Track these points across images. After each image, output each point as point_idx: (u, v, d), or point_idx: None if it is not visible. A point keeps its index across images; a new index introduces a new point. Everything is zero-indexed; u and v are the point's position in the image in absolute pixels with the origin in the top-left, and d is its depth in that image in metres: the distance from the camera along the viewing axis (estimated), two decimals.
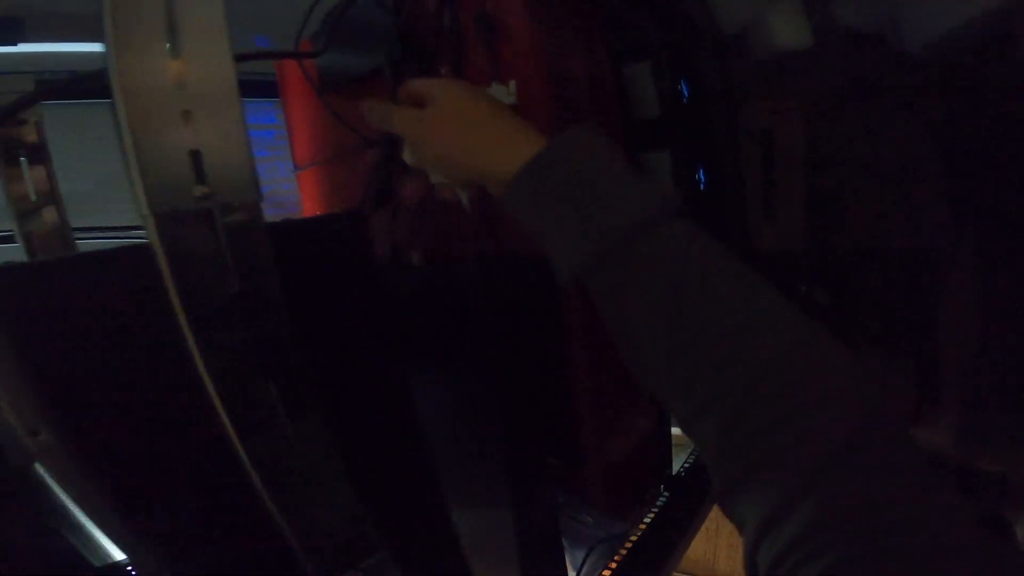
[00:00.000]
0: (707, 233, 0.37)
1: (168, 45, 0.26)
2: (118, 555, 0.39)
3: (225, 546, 0.35)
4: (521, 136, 0.41)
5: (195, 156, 0.26)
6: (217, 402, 0.28)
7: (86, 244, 0.50)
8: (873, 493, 0.27)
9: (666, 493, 0.84)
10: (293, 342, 0.32)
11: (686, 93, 0.76)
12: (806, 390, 0.30)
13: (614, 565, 0.73)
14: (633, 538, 0.77)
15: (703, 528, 0.85)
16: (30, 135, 0.54)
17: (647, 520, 0.80)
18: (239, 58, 0.30)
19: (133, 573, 0.40)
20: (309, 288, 0.36)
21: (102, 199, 0.79)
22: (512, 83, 0.56)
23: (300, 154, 0.86)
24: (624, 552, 0.75)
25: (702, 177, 0.75)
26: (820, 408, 0.29)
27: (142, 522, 0.30)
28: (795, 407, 0.29)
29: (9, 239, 0.56)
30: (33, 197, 0.56)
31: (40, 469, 0.30)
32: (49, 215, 0.58)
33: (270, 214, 0.33)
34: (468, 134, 0.43)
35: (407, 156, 0.50)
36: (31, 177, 0.56)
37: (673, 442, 0.86)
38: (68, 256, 0.33)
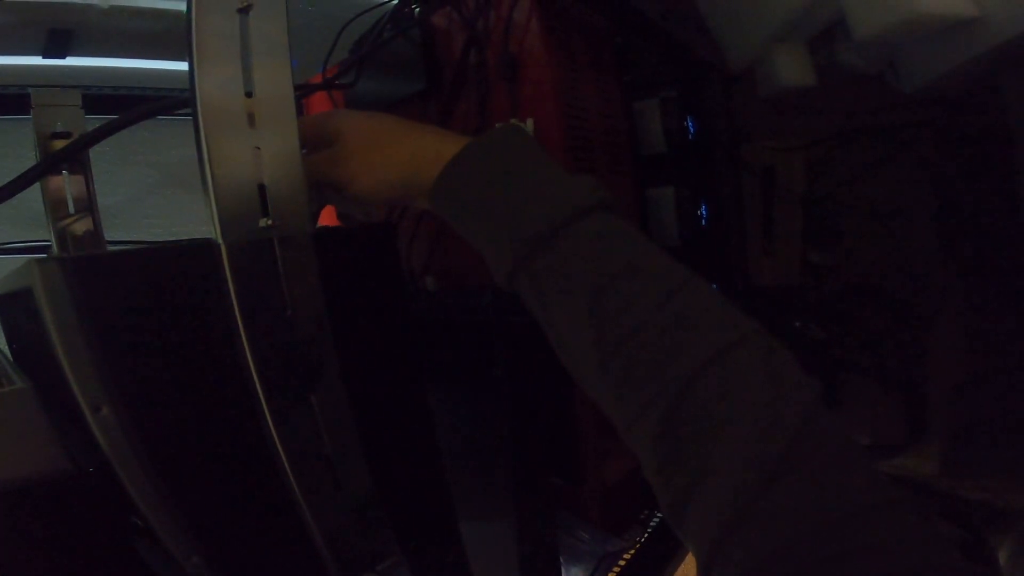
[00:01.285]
0: (623, 223, 0.35)
1: (243, 83, 0.29)
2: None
3: (256, 541, 0.37)
4: (441, 141, 0.39)
5: (261, 189, 0.29)
6: (267, 412, 0.31)
7: None
8: (832, 506, 0.25)
9: (660, 514, 0.85)
10: (333, 354, 0.34)
11: (692, 130, 0.79)
12: (739, 396, 0.28)
13: None
14: (627, 556, 0.78)
15: None
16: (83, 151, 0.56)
17: (641, 539, 0.81)
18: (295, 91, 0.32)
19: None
20: (340, 297, 0.38)
21: (133, 214, 0.81)
22: (530, 120, 0.59)
23: None
24: (618, 569, 0.77)
25: (704, 212, 0.78)
26: (766, 410, 0.27)
27: (185, 508, 0.32)
28: (728, 415, 0.27)
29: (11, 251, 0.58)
30: (71, 208, 0.59)
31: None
32: (85, 225, 0.60)
33: None
34: (388, 153, 0.40)
35: (331, 201, 0.47)
36: (71, 188, 0.58)
37: None
38: (140, 248, 0.35)
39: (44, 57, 0.66)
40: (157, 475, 0.29)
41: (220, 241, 0.27)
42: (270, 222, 0.29)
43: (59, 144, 0.56)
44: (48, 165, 0.35)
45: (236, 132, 0.28)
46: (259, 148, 0.29)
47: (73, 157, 0.40)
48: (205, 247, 0.29)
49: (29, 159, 0.53)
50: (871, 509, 0.25)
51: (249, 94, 0.30)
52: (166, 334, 0.29)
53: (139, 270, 0.28)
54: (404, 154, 0.39)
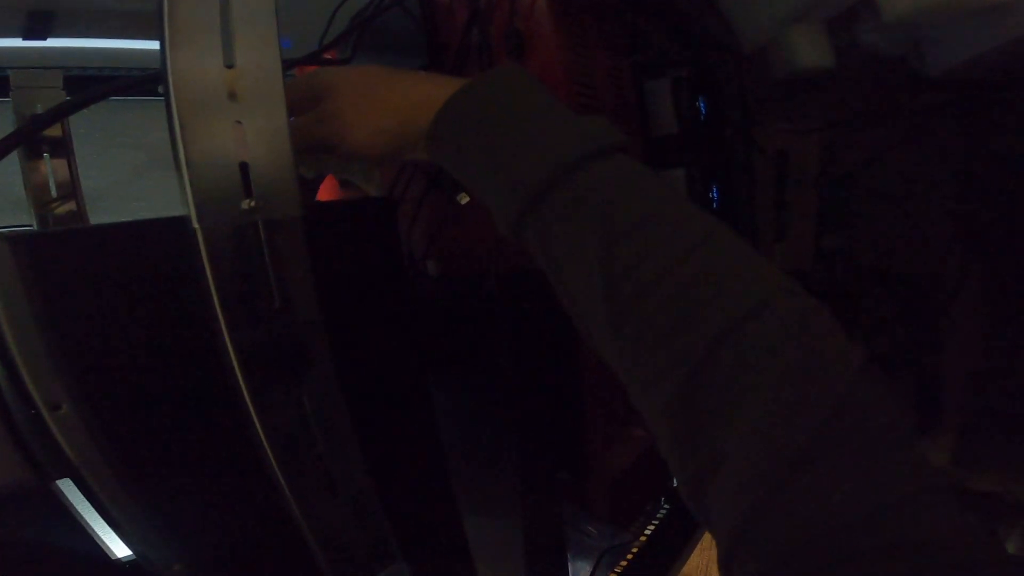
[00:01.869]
0: (641, 166, 0.31)
1: (223, 54, 0.26)
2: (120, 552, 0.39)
3: (246, 548, 0.35)
4: (435, 84, 0.36)
5: (243, 168, 0.26)
6: (252, 411, 0.28)
7: None
8: (864, 498, 0.22)
9: (667, 506, 0.84)
10: (327, 346, 0.32)
11: (704, 111, 0.76)
12: (767, 366, 0.25)
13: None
14: (635, 549, 0.77)
15: None
16: (54, 130, 0.54)
17: (648, 532, 0.80)
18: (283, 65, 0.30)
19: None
20: (337, 275, 0.35)
21: (119, 196, 0.78)
22: None
23: None
24: (626, 563, 0.75)
25: (715, 195, 0.76)
26: (795, 384, 0.24)
27: (161, 514, 0.30)
28: (754, 387, 0.24)
29: None
30: (53, 191, 0.56)
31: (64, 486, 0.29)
32: (68, 208, 0.58)
33: None
34: (380, 101, 0.37)
35: (319, 167, 0.44)
36: (53, 171, 0.56)
37: None
38: (99, 225, 0.33)
39: (25, 39, 0.64)
40: (128, 479, 0.26)
41: (196, 225, 0.25)
42: (253, 203, 0.26)
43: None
44: (10, 142, 0.33)
45: (214, 106, 0.26)
46: (241, 123, 0.26)
47: (37, 131, 0.37)
48: (177, 224, 0.26)
49: None
50: (909, 499, 0.22)
51: (231, 66, 0.27)
52: (133, 322, 0.27)
53: (101, 249, 0.26)
54: (397, 100, 0.36)
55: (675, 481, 0.28)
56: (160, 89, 0.42)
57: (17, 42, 0.64)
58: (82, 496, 0.31)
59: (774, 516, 0.23)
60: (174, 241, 0.26)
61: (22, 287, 0.24)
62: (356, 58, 0.62)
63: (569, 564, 0.71)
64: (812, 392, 0.24)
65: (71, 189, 0.58)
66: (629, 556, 0.76)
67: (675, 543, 0.79)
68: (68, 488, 0.29)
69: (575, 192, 0.30)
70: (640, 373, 0.28)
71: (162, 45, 0.25)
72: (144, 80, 0.35)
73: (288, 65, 0.46)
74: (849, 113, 0.80)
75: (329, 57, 0.62)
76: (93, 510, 0.29)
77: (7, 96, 0.49)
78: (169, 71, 0.25)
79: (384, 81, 0.37)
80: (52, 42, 0.65)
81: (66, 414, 0.25)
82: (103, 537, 0.32)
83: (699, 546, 0.82)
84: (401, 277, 0.41)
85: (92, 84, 0.35)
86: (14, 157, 0.53)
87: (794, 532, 0.23)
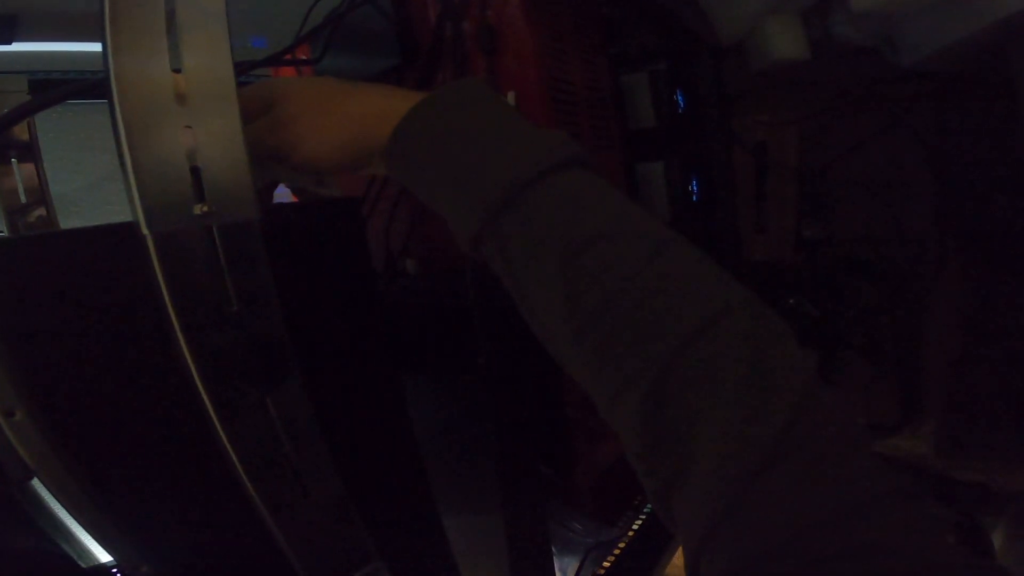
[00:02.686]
0: (599, 179, 0.31)
1: (169, 58, 0.26)
2: (104, 557, 0.39)
3: (216, 552, 0.35)
4: (391, 97, 0.35)
5: (195, 172, 0.26)
6: (215, 418, 0.28)
7: None
8: (813, 509, 0.23)
9: None
10: (291, 351, 0.32)
11: (682, 104, 0.76)
12: (725, 375, 0.25)
13: (602, 572, 0.73)
14: (622, 545, 0.77)
15: None
16: (21, 133, 0.53)
17: (635, 527, 0.80)
18: (238, 67, 0.29)
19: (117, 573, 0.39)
20: (303, 277, 0.35)
21: (92, 201, 0.77)
22: (512, 93, 0.56)
23: None
24: (613, 558, 0.75)
25: (695, 188, 0.76)
26: (755, 390, 0.24)
27: (123, 515, 0.29)
28: (714, 396, 0.25)
29: None
30: (22, 196, 0.55)
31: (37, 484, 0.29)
32: (38, 214, 0.57)
33: None
34: (334, 112, 0.36)
35: (270, 175, 0.41)
36: (21, 176, 0.55)
37: None
38: (51, 232, 0.32)
39: None
40: (88, 486, 0.26)
41: (145, 231, 0.24)
42: (206, 208, 0.26)
43: (8, 132, 0.53)
44: None
45: (161, 110, 0.25)
46: (191, 127, 0.26)
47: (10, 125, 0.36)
48: (126, 230, 0.26)
49: None
50: (871, 502, 0.23)
51: (178, 70, 0.27)
52: (87, 328, 0.27)
53: (49, 256, 0.26)
54: (352, 111, 0.36)
55: (642, 482, 0.28)
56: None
57: None
58: (45, 501, 0.30)
59: (739, 521, 0.24)
60: (126, 247, 0.26)
61: None
62: (327, 57, 0.61)
63: (555, 560, 0.71)
64: (769, 400, 0.24)
65: (40, 195, 0.57)
66: (616, 552, 0.76)
67: (662, 539, 0.79)
68: (31, 492, 0.29)
69: (532, 208, 0.30)
70: (604, 386, 0.28)
71: (104, 49, 0.24)
72: (98, 84, 0.34)
73: (251, 66, 0.45)
74: (826, 104, 0.81)
75: (300, 57, 0.61)
76: (56, 515, 0.28)
77: None
78: (112, 76, 0.24)
79: (339, 92, 0.37)
80: (17, 46, 0.64)
81: (21, 421, 0.24)
82: (74, 540, 0.32)
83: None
84: (368, 276, 0.40)
85: (58, 87, 0.34)
86: None
87: (759, 536, 0.23)
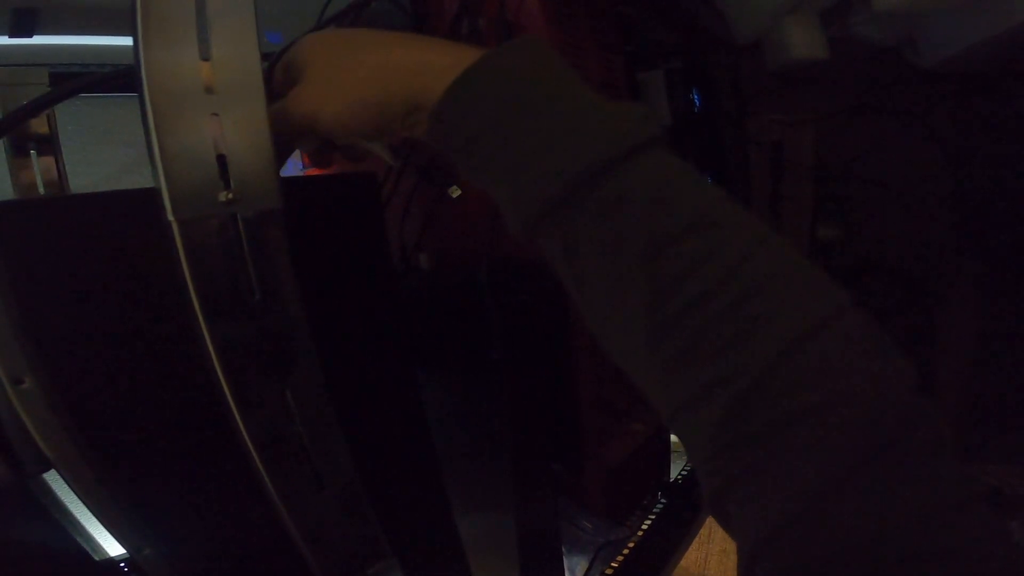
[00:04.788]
0: (686, 165, 0.28)
1: (198, 47, 0.26)
2: (115, 551, 0.39)
3: (225, 541, 0.35)
4: (434, 50, 0.31)
5: (221, 160, 0.26)
6: (233, 407, 0.28)
7: None
8: (896, 512, 0.22)
9: (663, 500, 0.84)
10: (310, 342, 0.32)
11: (697, 102, 0.76)
12: (828, 382, 0.24)
13: (610, 572, 0.73)
14: (631, 544, 0.77)
15: None
16: (41, 126, 0.53)
17: (645, 526, 0.80)
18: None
19: (125, 569, 0.39)
20: (318, 259, 0.34)
21: None
22: None
23: None
24: (622, 558, 0.75)
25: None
26: (844, 406, 0.23)
27: (127, 495, 0.29)
28: (813, 403, 0.23)
29: None
30: (41, 189, 0.56)
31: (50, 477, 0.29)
32: None
33: None
34: (361, 65, 0.32)
35: (306, 146, 0.38)
36: (40, 168, 0.55)
37: (672, 449, 0.87)
38: (67, 195, 0.31)
39: (11, 36, 0.63)
40: (91, 457, 0.26)
41: (171, 218, 0.24)
42: (231, 195, 0.26)
43: (26, 124, 0.53)
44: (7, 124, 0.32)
45: (189, 99, 0.25)
46: (218, 115, 0.26)
47: (11, 127, 0.36)
48: (144, 196, 0.25)
49: None
50: (952, 508, 0.22)
51: (207, 59, 0.27)
52: (103, 295, 0.26)
53: (68, 219, 0.25)
54: (382, 63, 0.31)
55: (702, 485, 0.27)
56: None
57: (3, 40, 0.64)
58: (58, 493, 0.30)
59: (810, 525, 0.23)
60: (147, 213, 0.25)
61: None
62: None
63: (564, 559, 0.71)
64: (869, 415, 0.23)
65: (59, 187, 0.58)
66: (625, 551, 0.76)
67: (672, 538, 0.79)
68: (45, 484, 0.29)
69: (608, 197, 0.26)
70: (683, 389, 0.26)
71: (135, 38, 0.24)
72: (127, 74, 0.34)
73: (267, 59, 0.45)
74: (844, 104, 0.80)
75: None
76: (72, 503, 0.28)
77: None
78: (142, 64, 0.24)
79: (367, 43, 0.32)
80: (38, 39, 0.64)
81: (29, 389, 0.24)
82: (83, 536, 0.32)
83: (697, 540, 0.82)
84: (386, 259, 0.39)
85: (78, 79, 0.34)
86: (2, 156, 0.52)
87: (829, 541, 0.22)
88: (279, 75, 0.35)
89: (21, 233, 0.25)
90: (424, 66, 0.30)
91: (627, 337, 0.28)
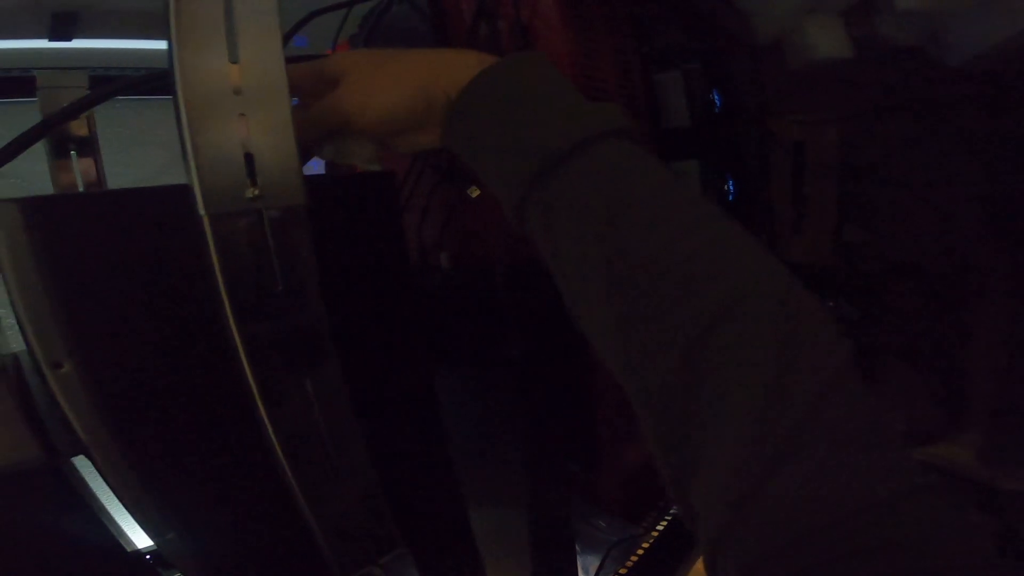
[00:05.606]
0: (646, 152, 0.32)
1: (227, 50, 0.27)
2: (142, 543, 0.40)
3: (244, 529, 0.36)
4: (456, 52, 0.37)
5: (248, 158, 0.28)
6: (258, 399, 0.29)
7: None
8: (852, 495, 0.22)
9: None
10: (331, 336, 0.33)
11: (718, 103, 0.75)
12: (750, 357, 0.24)
13: (624, 571, 0.73)
14: (646, 544, 0.76)
15: None
16: (80, 128, 0.56)
17: (660, 527, 0.79)
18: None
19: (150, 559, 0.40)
20: (337, 255, 0.35)
21: None
22: None
23: None
24: (636, 557, 0.75)
25: (731, 188, 0.75)
26: (774, 376, 0.24)
27: (156, 481, 0.30)
28: (737, 380, 0.24)
29: None
30: (81, 189, 0.58)
31: (79, 462, 0.30)
32: None
33: None
34: (399, 72, 0.36)
35: (335, 153, 0.41)
36: (80, 169, 0.58)
37: None
38: (106, 191, 0.33)
39: (51, 40, 0.67)
40: (124, 443, 0.27)
41: (203, 212, 0.26)
42: (257, 192, 0.27)
43: (66, 124, 0.56)
44: (35, 133, 0.34)
45: (219, 99, 0.27)
46: (245, 115, 0.28)
47: (54, 126, 0.38)
48: (180, 192, 0.27)
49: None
50: (894, 499, 0.22)
51: (235, 61, 0.28)
52: (140, 287, 0.28)
53: (108, 213, 0.27)
54: (418, 63, 0.37)
55: (657, 464, 0.28)
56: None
57: (43, 43, 0.67)
58: (89, 478, 0.32)
59: (757, 512, 0.23)
60: (180, 207, 0.27)
61: (29, 248, 0.25)
62: None
63: (578, 558, 0.71)
64: (796, 385, 0.24)
65: (99, 188, 0.60)
66: (640, 551, 0.75)
67: (688, 539, 0.78)
68: (76, 469, 0.31)
69: (576, 173, 0.31)
70: (630, 355, 0.28)
71: (169, 42, 0.26)
72: (162, 76, 0.36)
73: (294, 61, 0.47)
74: (868, 103, 0.79)
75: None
76: (101, 493, 0.30)
77: (32, 96, 0.51)
78: (176, 66, 0.26)
79: (402, 52, 0.38)
80: (77, 43, 0.67)
81: (67, 374, 0.26)
82: (112, 523, 0.34)
83: None
84: (404, 257, 0.40)
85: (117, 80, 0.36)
86: (43, 156, 0.55)
87: (779, 529, 0.22)
88: (308, 83, 0.39)
89: (63, 226, 0.27)
90: (458, 63, 0.35)
91: (589, 304, 0.30)
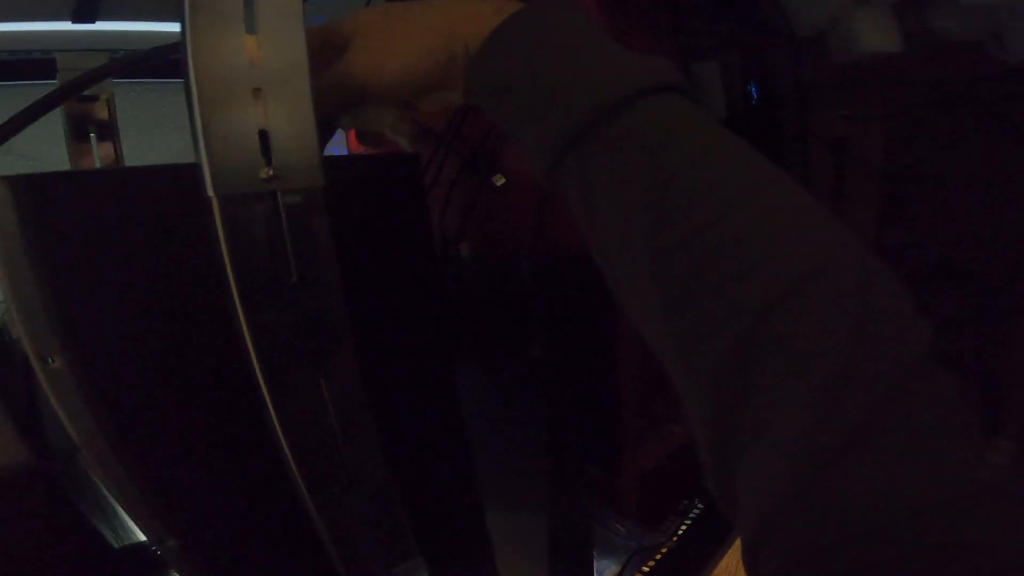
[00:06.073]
0: (699, 108, 0.29)
1: (244, 20, 0.25)
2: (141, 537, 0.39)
3: (250, 533, 0.34)
4: (480, 5, 0.33)
5: (263, 136, 0.26)
6: (266, 396, 0.27)
7: None
8: (917, 491, 0.20)
9: (700, 505, 0.81)
10: (349, 331, 0.31)
11: (755, 96, 0.72)
12: (822, 336, 0.22)
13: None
14: (664, 550, 0.74)
15: None
16: (101, 111, 0.55)
17: (680, 532, 0.77)
18: None
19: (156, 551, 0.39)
20: (357, 241, 0.33)
21: None
22: None
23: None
24: (654, 563, 0.73)
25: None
26: (846, 357, 0.22)
27: (155, 484, 0.29)
28: (811, 351, 0.22)
29: None
30: None
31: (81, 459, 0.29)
32: None
33: None
34: (417, 21, 0.34)
35: (354, 122, 0.38)
36: (99, 153, 0.57)
37: None
38: (103, 168, 0.31)
39: (74, 22, 0.66)
40: (117, 444, 0.25)
41: (211, 193, 0.24)
42: (272, 172, 0.25)
43: (86, 107, 0.55)
44: (52, 99, 0.33)
45: (232, 72, 0.25)
46: (261, 90, 0.25)
47: (70, 94, 0.37)
48: (189, 171, 0.25)
49: (56, 123, 0.52)
50: (959, 499, 0.20)
51: (252, 32, 0.26)
52: (138, 274, 0.26)
53: (106, 193, 0.25)
54: (436, 15, 0.33)
55: (703, 468, 0.26)
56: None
57: (66, 25, 0.66)
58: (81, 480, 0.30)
59: (811, 505, 0.21)
60: (190, 192, 0.25)
61: (19, 230, 0.23)
62: None
63: (595, 562, 0.70)
64: (870, 368, 0.21)
65: None
66: (658, 556, 0.73)
67: (707, 544, 0.76)
68: (76, 469, 0.29)
69: (623, 128, 0.27)
70: (680, 330, 0.25)
71: (182, 7, 0.24)
72: (175, 48, 0.34)
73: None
74: (915, 100, 0.75)
75: None
76: (92, 495, 0.28)
77: (53, 79, 0.50)
78: (188, 34, 0.24)
79: (412, 7, 0.34)
80: (100, 25, 0.66)
81: (58, 368, 0.24)
82: (106, 524, 0.32)
83: (730, 549, 0.79)
84: (428, 243, 0.38)
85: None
86: (62, 139, 0.54)
87: (834, 525, 0.21)
88: (315, 51, 0.35)
89: (56, 206, 0.25)
90: (477, 13, 0.32)
91: (630, 273, 0.28)
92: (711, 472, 0.25)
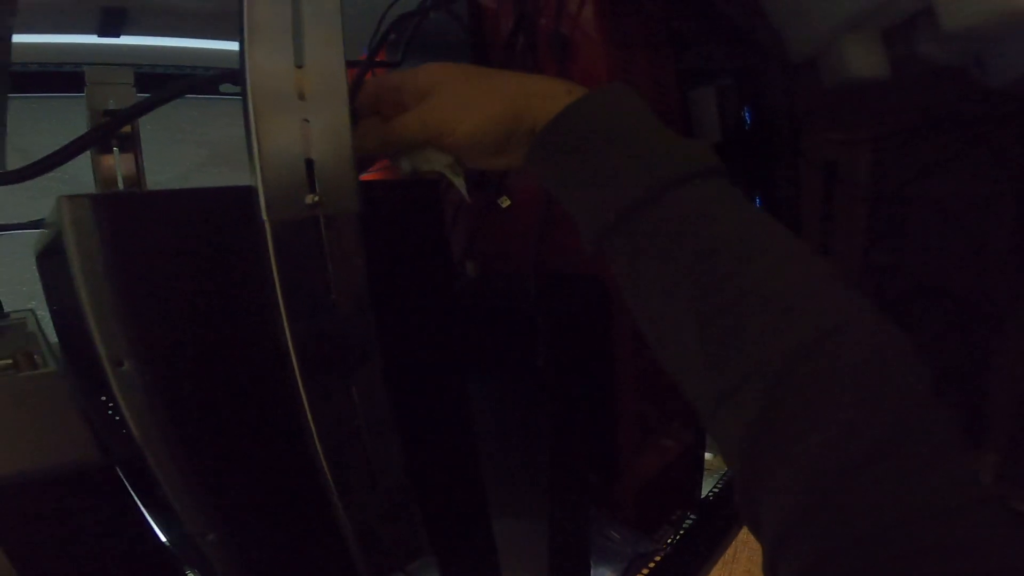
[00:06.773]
0: (738, 191, 0.33)
1: (294, 54, 0.28)
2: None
3: (282, 529, 0.36)
4: (551, 81, 0.37)
5: (309, 164, 0.28)
6: (305, 401, 0.29)
7: None
8: (923, 499, 0.23)
9: (693, 516, 0.83)
10: (376, 342, 0.33)
11: (748, 120, 0.75)
12: (843, 380, 0.26)
13: None
14: (658, 558, 0.76)
15: None
16: (124, 126, 0.57)
17: (672, 540, 0.79)
18: None
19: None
20: (382, 262, 0.35)
21: None
22: None
23: None
24: (647, 571, 0.75)
25: (759, 205, 0.75)
26: (858, 401, 0.26)
27: (204, 481, 0.31)
28: (828, 400, 0.26)
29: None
30: (120, 184, 0.59)
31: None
32: None
33: None
34: (494, 88, 0.37)
35: (414, 163, 0.41)
36: (120, 165, 0.58)
37: (704, 467, 0.86)
38: (176, 190, 0.33)
39: (99, 36, 0.68)
40: (177, 442, 0.28)
41: (265, 218, 0.26)
42: (316, 198, 0.28)
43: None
44: (90, 138, 0.35)
45: (285, 104, 0.27)
46: (308, 121, 0.28)
47: (116, 129, 0.39)
48: (244, 195, 0.28)
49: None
50: (963, 507, 0.24)
51: (300, 66, 0.29)
52: (200, 287, 0.28)
53: (176, 211, 0.27)
54: (512, 89, 0.37)
55: (735, 480, 0.29)
56: (221, 88, 0.43)
57: (92, 39, 0.68)
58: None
59: (831, 511, 0.24)
60: (245, 214, 0.28)
61: (98, 244, 0.25)
62: (405, 62, 0.63)
63: (592, 570, 0.71)
64: (889, 402, 0.25)
65: (138, 183, 0.61)
66: (652, 564, 0.75)
67: (699, 554, 0.78)
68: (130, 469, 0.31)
69: (672, 206, 0.31)
70: (721, 381, 0.29)
71: (241, 44, 0.26)
72: (215, 79, 0.37)
73: (350, 66, 0.47)
74: (903, 124, 0.78)
75: (380, 60, 0.63)
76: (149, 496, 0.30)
77: (79, 92, 0.52)
78: (247, 69, 0.26)
79: (491, 72, 0.38)
80: (125, 40, 0.68)
81: (127, 371, 0.26)
82: (161, 524, 0.34)
83: (721, 560, 0.81)
84: (447, 265, 0.41)
85: (161, 81, 0.36)
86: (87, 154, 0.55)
87: (849, 527, 0.24)
88: (391, 94, 0.39)
89: (132, 223, 0.27)
90: (550, 92, 0.36)
91: (675, 336, 0.31)
92: (739, 491, 0.29)
